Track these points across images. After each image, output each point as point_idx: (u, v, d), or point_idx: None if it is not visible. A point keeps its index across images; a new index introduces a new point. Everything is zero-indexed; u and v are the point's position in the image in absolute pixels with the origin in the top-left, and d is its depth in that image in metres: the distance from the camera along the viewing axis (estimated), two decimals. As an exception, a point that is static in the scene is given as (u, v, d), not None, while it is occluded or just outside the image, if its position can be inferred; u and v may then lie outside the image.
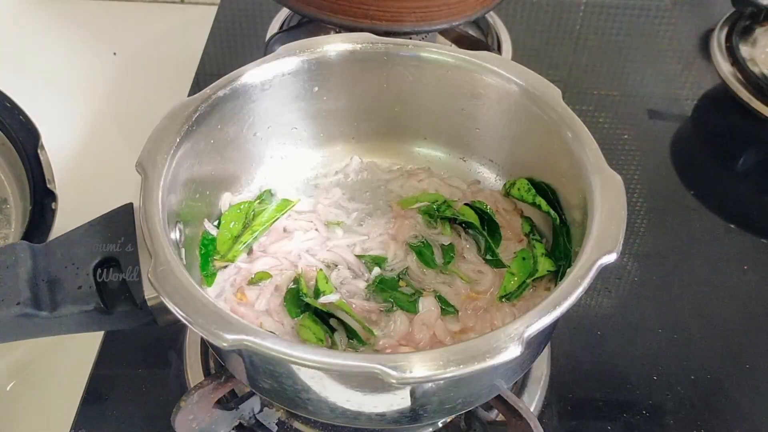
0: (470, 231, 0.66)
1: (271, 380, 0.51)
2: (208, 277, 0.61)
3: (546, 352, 0.69)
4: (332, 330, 0.58)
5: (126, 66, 1.06)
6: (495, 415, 0.63)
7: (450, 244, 0.65)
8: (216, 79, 0.61)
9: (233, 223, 0.64)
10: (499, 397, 0.57)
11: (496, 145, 0.68)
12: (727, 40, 1.01)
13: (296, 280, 0.61)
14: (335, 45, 0.64)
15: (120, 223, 0.54)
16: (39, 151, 0.77)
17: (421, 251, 0.64)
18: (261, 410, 0.64)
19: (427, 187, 0.70)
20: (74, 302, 0.52)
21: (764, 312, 0.75)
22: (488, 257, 0.64)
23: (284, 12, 1.06)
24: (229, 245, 0.63)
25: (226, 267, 0.63)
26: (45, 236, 0.71)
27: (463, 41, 0.97)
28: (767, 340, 0.73)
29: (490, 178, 0.70)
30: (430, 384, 0.48)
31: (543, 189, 0.64)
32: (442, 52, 0.64)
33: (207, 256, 0.62)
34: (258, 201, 0.67)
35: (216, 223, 0.64)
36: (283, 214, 0.66)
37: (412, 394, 0.49)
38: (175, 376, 0.68)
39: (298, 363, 0.44)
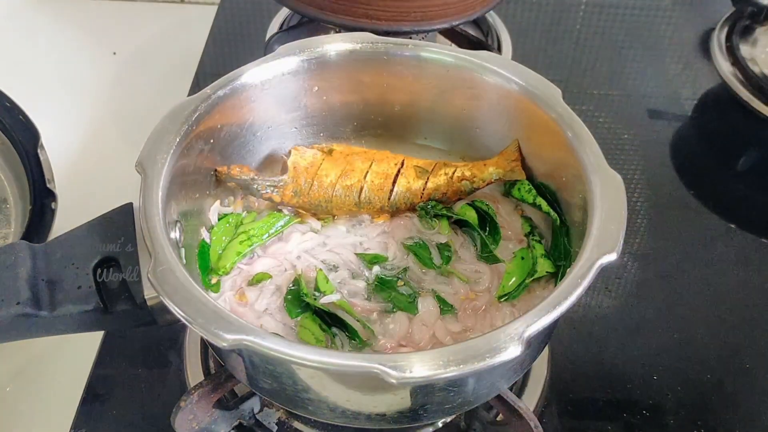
0: (465, 229, 0.66)
1: (271, 380, 0.51)
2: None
3: (546, 352, 0.69)
4: (332, 331, 0.58)
5: (126, 66, 1.06)
6: (495, 415, 0.63)
7: (446, 243, 0.65)
8: (216, 79, 0.61)
9: (225, 237, 0.63)
10: (499, 397, 0.57)
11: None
12: (727, 40, 1.01)
13: (296, 281, 0.61)
14: (335, 45, 0.64)
15: (120, 223, 0.54)
16: (39, 151, 0.77)
17: (418, 252, 0.64)
18: (261, 410, 0.64)
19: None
20: (74, 302, 0.52)
21: (764, 312, 0.75)
22: (484, 254, 0.64)
23: (284, 12, 1.06)
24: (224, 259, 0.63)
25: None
26: (45, 236, 0.71)
27: (463, 41, 0.97)
28: (767, 340, 0.73)
29: (490, 178, 0.70)
30: (430, 384, 0.48)
31: (543, 189, 0.64)
32: (442, 52, 0.64)
33: (205, 268, 0.61)
34: (245, 213, 0.66)
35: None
36: (285, 228, 0.65)
37: (412, 394, 0.49)
38: (175, 376, 0.68)
39: (298, 363, 0.44)
